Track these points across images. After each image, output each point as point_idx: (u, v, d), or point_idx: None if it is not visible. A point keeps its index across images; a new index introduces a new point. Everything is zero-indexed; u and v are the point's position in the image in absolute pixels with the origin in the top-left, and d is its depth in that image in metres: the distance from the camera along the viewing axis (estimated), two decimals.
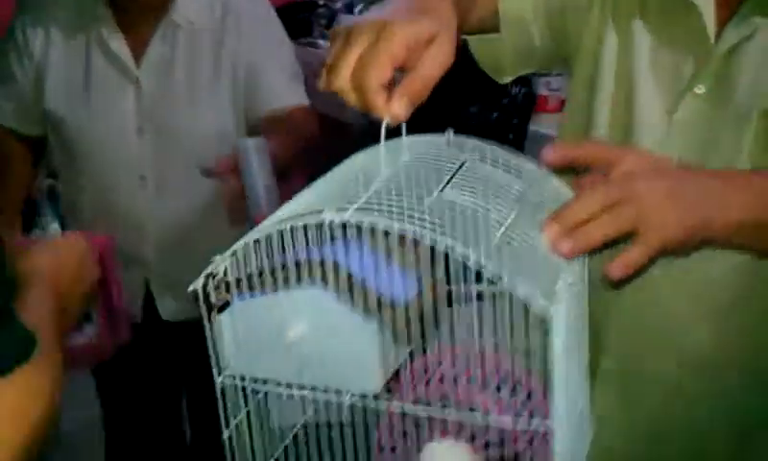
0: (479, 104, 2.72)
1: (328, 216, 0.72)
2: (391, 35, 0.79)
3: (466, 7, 1.07)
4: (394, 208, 0.73)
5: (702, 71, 1.07)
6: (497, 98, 2.71)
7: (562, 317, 0.72)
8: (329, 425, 0.86)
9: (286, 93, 1.94)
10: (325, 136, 2.55)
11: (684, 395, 1.12)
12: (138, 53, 1.92)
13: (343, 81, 0.80)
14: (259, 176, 1.49)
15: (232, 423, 0.86)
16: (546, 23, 1.21)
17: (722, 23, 1.06)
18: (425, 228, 0.70)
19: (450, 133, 0.93)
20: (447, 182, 0.81)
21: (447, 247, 0.69)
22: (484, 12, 1.18)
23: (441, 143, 0.91)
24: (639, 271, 0.82)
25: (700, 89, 1.07)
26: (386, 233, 0.76)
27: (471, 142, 0.91)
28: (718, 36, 1.06)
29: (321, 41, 3.46)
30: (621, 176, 0.84)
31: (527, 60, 1.26)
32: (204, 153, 1.82)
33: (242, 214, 1.61)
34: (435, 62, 0.82)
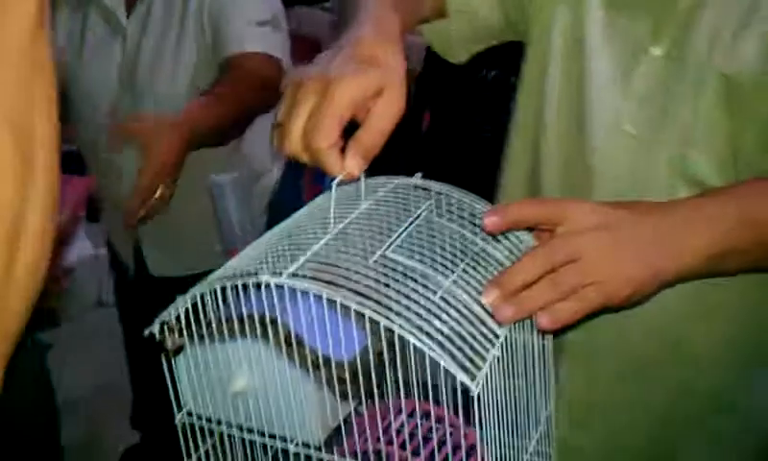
0: (497, 69, 2.74)
1: (264, 279, 0.75)
2: (336, 95, 0.81)
3: (412, 9, 1.10)
4: (332, 272, 0.76)
5: (660, 31, 1.05)
6: (516, 63, 2.70)
7: (489, 390, 0.74)
8: None
9: (246, 39, 1.95)
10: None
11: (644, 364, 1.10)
12: (129, 8, 2.03)
13: (294, 145, 0.83)
14: (233, 212, 1.52)
15: (194, 456, 0.90)
16: (498, 3, 1.22)
17: None
18: (355, 298, 0.73)
19: (418, 177, 0.95)
20: (396, 239, 0.83)
21: (371, 317, 0.72)
22: (433, 3, 1.20)
23: (405, 188, 0.93)
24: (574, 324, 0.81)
25: (656, 51, 1.06)
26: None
27: (438, 187, 0.93)
28: None
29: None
30: (564, 232, 0.82)
31: (479, 41, 1.28)
32: (178, 106, 1.86)
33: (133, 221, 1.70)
34: (384, 117, 0.84)
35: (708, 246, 0.85)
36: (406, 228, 0.85)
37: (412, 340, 0.71)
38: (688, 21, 1.04)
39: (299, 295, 0.78)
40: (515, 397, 0.84)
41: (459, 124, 2.82)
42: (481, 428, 0.74)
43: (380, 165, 0.90)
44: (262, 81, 1.90)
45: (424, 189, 0.93)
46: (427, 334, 0.72)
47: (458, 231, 0.87)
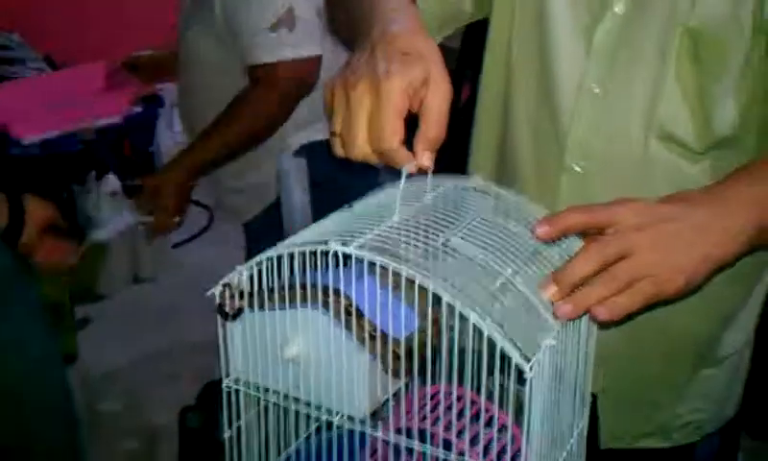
0: None
1: (333, 247, 0.80)
2: (391, 93, 0.85)
3: None
4: (399, 249, 0.81)
5: None
6: None
7: (541, 376, 0.77)
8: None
9: (258, 49, 2.04)
10: None
11: None
12: None
13: (362, 149, 0.87)
14: (296, 194, 1.57)
15: (235, 424, 0.95)
16: None
17: None
18: (420, 272, 0.77)
19: (478, 179, 1.01)
20: (458, 229, 0.87)
21: (435, 291, 0.76)
22: None
23: (465, 187, 0.99)
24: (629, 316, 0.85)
25: (619, 8, 1.09)
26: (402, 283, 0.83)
27: (496, 190, 0.99)
28: None
29: None
30: (615, 231, 0.86)
31: (448, 21, 1.30)
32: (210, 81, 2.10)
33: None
34: (439, 106, 0.88)
35: (751, 226, 0.89)
36: (468, 220, 0.89)
37: (472, 317, 0.74)
38: None
39: (362, 270, 0.83)
40: (557, 400, 0.87)
41: None
42: (529, 418, 0.78)
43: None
44: (279, 95, 2.03)
45: (483, 191, 0.98)
46: (488, 317, 0.75)
47: (514, 231, 0.90)
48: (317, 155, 1.98)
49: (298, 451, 0.97)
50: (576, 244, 0.91)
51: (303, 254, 0.85)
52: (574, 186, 1.14)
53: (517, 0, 1.20)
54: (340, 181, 1.76)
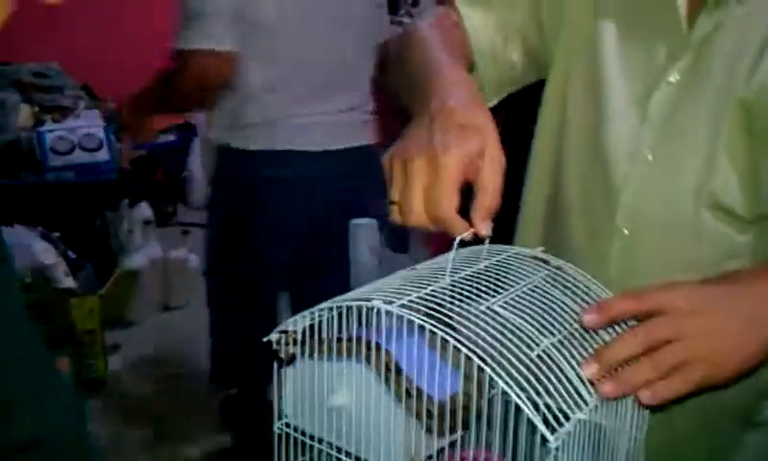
0: (514, 117, 2.84)
1: (376, 304, 0.87)
2: (448, 167, 0.92)
3: (466, 54, 1.24)
4: (440, 310, 0.87)
5: (676, 59, 1.13)
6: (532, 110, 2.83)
7: (569, 449, 0.83)
8: None
9: (186, 35, 2.38)
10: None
11: None
12: None
13: (419, 217, 0.94)
14: (364, 254, 1.65)
15: None
16: (522, 45, 1.32)
17: (693, 11, 1.12)
18: (453, 335, 0.84)
19: (538, 250, 1.07)
20: (506, 296, 0.94)
21: (466, 354, 0.83)
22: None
23: (525, 256, 1.05)
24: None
25: (674, 78, 1.13)
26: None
27: (556, 262, 1.05)
28: (691, 23, 1.12)
29: (406, 20, 3.69)
30: (665, 314, 0.90)
31: (507, 86, 1.37)
32: None
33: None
34: (494, 177, 0.95)
35: None
36: (517, 288, 0.96)
37: (500, 383, 0.80)
38: (705, 47, 1.11)
39: (405, 329, 0.90)
40: None
41: None
42: None
43: None
44: (198, 82, 2.40)
45: (544, 261, 1.05)
46: (517, 384, 0.81)
47: (567, 304, 0.96)
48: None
49: None
50: (631, 323, 0.96)
51: (361, 308, 0.92)
52: (623, 250, 1.18)
53: (572, 66, 1.26)
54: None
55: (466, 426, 0.91)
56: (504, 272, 1.01)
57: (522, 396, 0.81)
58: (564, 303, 0.97)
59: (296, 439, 1.00)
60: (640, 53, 1.18)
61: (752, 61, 1.08)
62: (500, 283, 0.97)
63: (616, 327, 0.96)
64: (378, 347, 0.90)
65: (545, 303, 0.95)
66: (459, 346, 0.84)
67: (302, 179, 2.46)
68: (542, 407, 0.82)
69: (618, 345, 0.88)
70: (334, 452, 0.97)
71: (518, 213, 1.39)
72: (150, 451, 2.74)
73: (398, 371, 0.90)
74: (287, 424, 1.01)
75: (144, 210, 3.93)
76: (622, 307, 0.91)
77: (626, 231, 1.17)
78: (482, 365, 0.82)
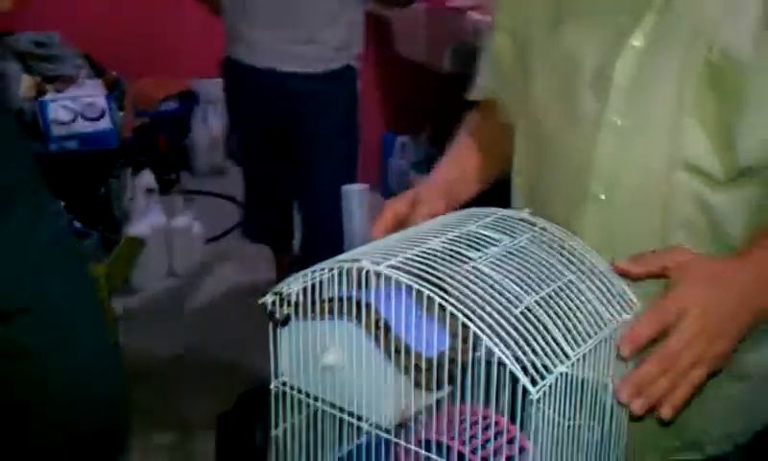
0: None
1: (364, 265, 0.91)
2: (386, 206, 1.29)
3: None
4: (427, 272, 0.91)
5: (638, 22, 1.15)
6: None
7: (550, 400, 0.87)
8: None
9: None
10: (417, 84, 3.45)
11: None
12: None
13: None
14: (357, 220, 1.69)
15: (281, 424, 1.05)
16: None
17: None
18: (439, 294, 0.88)
19: (525, 212, 1.11)
20: (491, 256, 0.98)
21: (451, 312, 0.87)
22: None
23: (512, 218, 1.10)
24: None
25: (638, 42, 1.16)
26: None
27: (542, 223, 1.09)
28: None
29: None
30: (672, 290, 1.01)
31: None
32: None
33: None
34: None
35: None
36: (503, 248, 1.00)
37: (484, 338, 0.85)
38: (667, 10, 1.14)
39: (394, 289, 0.94)
40: (576, 429, 0.96)
41: None
42: (535, 435, 0.87)
43: None
44: None
45: (530, 223, 1.09)
46: (501, 339, 0.85)
47: (552, 263, 1.01)
48: None
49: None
50: (614, 284, 1.02)
51: (351, 269, 0.97)
52: (600, 215, 1.21)
53: (536, 36, 1.29)
54: None
55: (453, 381, 0.95)
56: (491, 233, 1.04)
57: (506, 351, 0.85)
58: (548, 261, 1.01)
59: (292, 397, 1.04)
60: (604, 18, 1.20)
61: (715, 23, 1.11)
62: (487, 244, 1.01)
63: (606, 293, 1.01)
64: (368, 306, 0.94)
65: (530, 262, 0.99)
66: (444, 304, 0.87)
67: (254, 88, 3.06)
68: (525, 362, 0.86)
69: (643, 370, 0.97)
70: (329, 409, 1.01)
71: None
72: (155, 417, 2.79)
73: (387, 329, 0.94)
74: (284, 383, 1.05)
75: (147, 178, 3.96)
76: (647, 333, 0.98)
77: (602, 197, 1.20)
78: (466, 322, 0.86)
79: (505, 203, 1.29)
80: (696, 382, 1.00)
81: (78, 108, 3.81)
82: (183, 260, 3.93)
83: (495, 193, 1.37)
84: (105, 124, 3.83)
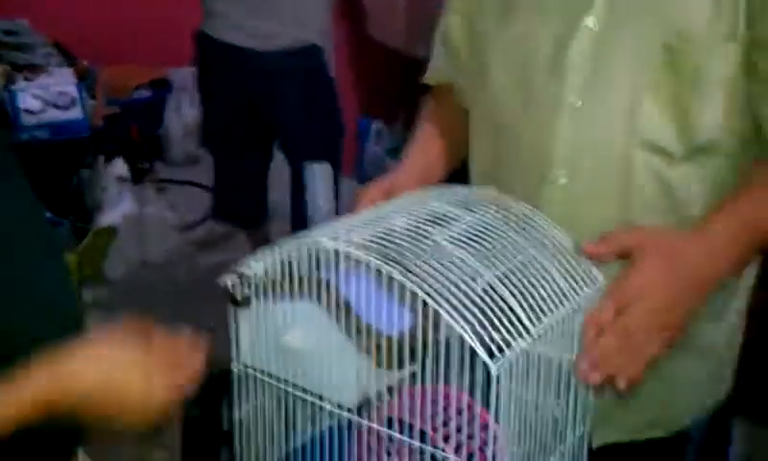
0: None
1: (323, 243, 0.90)
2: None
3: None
4: (387, 249, 0.90)
5: (592, 4, 1.14)
6: None
7: (510, 375, 0.87)
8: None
9: None
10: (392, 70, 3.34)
11: None
12: None
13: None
14: (321, 197, 1.68)
15: (244, 406, 1.05)
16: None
17: None
18: (399, 270, 0.86)
19: (492, 189, 1.10)
20: (452, 232, 0.97)
21: (411, 289, 0.85)
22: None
23: (478, 195, 1.09)
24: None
25: (592, 23, 1.15)
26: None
27: (505, 201, 1.08)
28: None
29: None
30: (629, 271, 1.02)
31: None
32: None
33: None
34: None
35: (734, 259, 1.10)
36: (464, 224, 0.99)
37: (443, 313, 0.84)
38: None
39: (356, 269, 0.93)
40: (539, 405, 0.96)
41: None
42: (497, 412, 0.87)
43: None
44: None
45: (495, 200, 1.08)
46: (461, 315, 0.84)
47: (514, 239, 1.00)
48: None
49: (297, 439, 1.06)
50: (581, 265, 1.02)
51: (311, 249, 0.95)
52: (562, 198, 1.20)
53: (489, 21, 1.27)
54: None
55: (415, 360, 0.94)
56: (454, 210, 1.03)
57: (466, 327, 0.84)
58: (511, 238, 1.00)
59: (255, 379, 1.03)
60: (556, 1, 1.19)
61: (668, 4, 1.11)
62: (450, 221, 1.00)
63: (570, 269, 1.00)
64: (329, 286, 0.93)
65: (492, 239, 0.98)
66: (404, 281, 0.86)
67: (221, 63, 3.10)
68: (486, 338, 0.85)
69: (602, 345, 0.98)
70: (291, 390, 1.00)
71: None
72: None
73: (348, 309, 0.93)
74: (245, 365, 1.04)
75: (119, 167, 3.93)
76: (607, 318, 0.99)
77: (562, 181, 1.20)
78: (426, 299, 0.85)
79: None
80: (651, 356, 1.01)
81: (48, 96, 3.77)
82: (157, 250, 3.90)
83: (465, 174, 1.38)
84: (75, 113, 3.80)
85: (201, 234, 4.14)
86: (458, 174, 1.39)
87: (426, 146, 1.42)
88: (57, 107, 3.74)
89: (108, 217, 3.71)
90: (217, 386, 1.54)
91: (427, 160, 1.39)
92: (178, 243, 3.98)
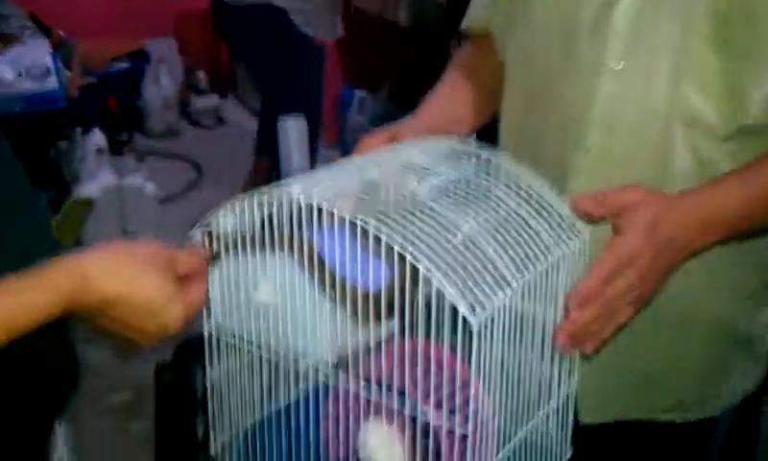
0: None
1: (294, 192, 0.86)
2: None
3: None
4: (364, 201, 0.86)
5: None
6: None
7: (490, 327, 0.83)
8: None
9: None
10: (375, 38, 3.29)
11: None
12: None
13: None
14: (294, 152, 1.65)
15: (216, 369, 1.01)
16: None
17: None
18: (374, 222, 0.83)
19: (472, 141, 1.06)
20: (430, 185, 0.93)
21: (387, 241, 0.81)
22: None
23: (458, 148, 1.05)
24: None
25: None
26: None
27: (487, 153, 1.04)
28: None
29: None
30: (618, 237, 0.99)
31: None
32: None
33: None
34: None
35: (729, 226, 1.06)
36: (444, 177, 0.95)
37: (421, 268, 0.80)
38: None
39: (328, 222, 0.89)
40: (523, 362, 0.93)
41: None
42: (479, 368, 0.83)
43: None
44: None
45: (476, 153, 1.03)
46: (439, 268, 0.81)
47: (496, 193, 0.96)
48: None
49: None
50: (564, 218, 0.98)
51: (281, 199, 0.90)
52: (593, 165, 1.16)
53: None
54: None
55: (392, 316, 0.91)
56: (434, 163, 0.99)
57: (444, 280, 0.80)
58: (492, 192, 0.97)
59: (226, 342, 1.00)
60: None
61: None
62: (427, 173, 0.96)
63: (553, 223, 0.97)
64: (301, 238, 0.89)
65: (473, 192, 0.94)
66: (379, 233, 0.82)
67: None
68: (466, 293, 0.81)
69: (582, 320, 0.96)
70: (263, 351, 0.97)
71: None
72: (107, 377, 2.74)
73: (321, 262, 0.89)
74: (217, 326, 1.00)
75: (97, 138, 3.87)
76: (596, 288, 0.97)
77: (597, 145, 1.15)
78: (403, 252, 0.81)
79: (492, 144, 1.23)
80: (622, 323, 1.00)
81: (22, 67, 3.71)
82: (137, 221, 3.84)
83: (483, 134, 1.31)
84: (50, 84, 3.73)
85: (183, 207, 4.10)
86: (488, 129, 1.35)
87: (447, 98, 1.37)
88: (31, 77, 3.68)
89: (87, 189, 3.65)
90: (192, 351, 1.52)
91: (445, 113, 1.34)
92: (158, 214, 3.93)
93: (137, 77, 4.98)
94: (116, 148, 4.21)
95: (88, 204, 3.46)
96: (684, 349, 1.23)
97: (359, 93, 4.60)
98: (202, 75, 5.21)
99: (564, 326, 0.95)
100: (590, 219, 1.01)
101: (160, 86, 4.98)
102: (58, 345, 1.16)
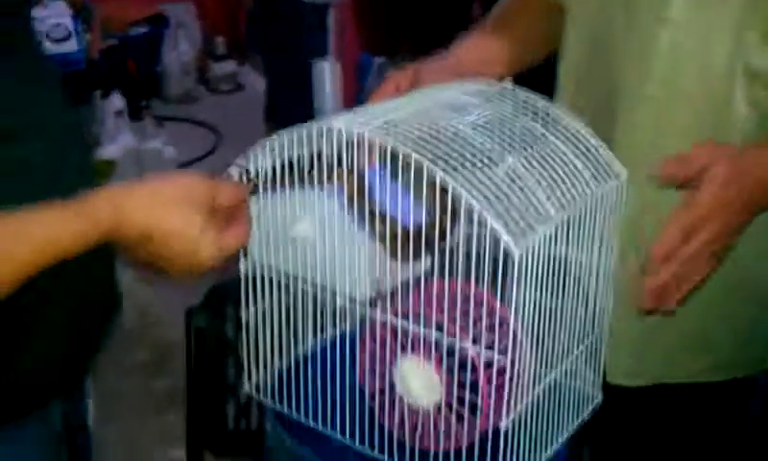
0: None
1: (337, 125, 0.85)
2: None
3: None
4: (406, 135, 0.86)
5: None
6: None
7: (531, 259, 0.83)
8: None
9: None
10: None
11: None
12: None
13: None
14: (328, 92, 1.64)
15: (251, 307, 1.01)
16: None
17: None
18: (415, 151, 0.82)
19: (507, 82, 1.05)
20: (471, 120, 0.93)
21: (429, 170, 0.81)
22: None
23: (494, 88, 1.05)
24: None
25: None
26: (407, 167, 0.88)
27: (525, 93, 1.03)
28: None
29: None
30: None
31: None
32: None
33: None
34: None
35: None
36: (483, 113, 0.95)
37: (463, 198, 0.80)
38: None
39: (369, 158, 0.88)
40: (558, 302, 0.92)
41: None
42: (516, 300, 0.83)
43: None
44: None
45: (512, 92, 1.03)
46: (480, 200, 0.80)
47: (536, 129, 0.96)
48: None
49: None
50: (583, 137, 0.97)
51: (321, 131, 0.90)
52: (654, 117, 1.15)
53: None
54: None
55: (432, 253, 0.90)
56: (473, 99, 0.99)
57: (488, 207, 0.80)
58: (532, 128, 0.96)
59: (263, 278, 1.00)
60: None
61: None
62: (466, 110, 0.96)
63: (591, 159, 0.96)
64: (350, 171, 0.89)
65: (514, 128, 0.94)
66: (422, 161, 0.82)
67: None
68: (509, 222, 0.81)
69: (662, 281, 0.99)
70: (300, 285, 0.97)
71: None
72: (129, 333, 2.76)
73: (362, 192, 0.89)
74: (254, 263, 1.00)
75: (116, 101, 3.88)
76: (673, 243, 0.99)
77: (656, 96, 1.14)
78: (445, 178, 0.81)
79: (544, 89, 1.17)
80: (698, 281, 1.02)
81: (43, 29, 3.71)
82: None
83: (533, 78, 1.27)
84: (71, 45, 3.74)
85: (200, 171, 4.10)
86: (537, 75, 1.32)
87: (487, 39, 1.34)
88: (52, 39, 3.68)
89: (108, 151, 3.66)
90: (223, 295, 1.52)
91: (480, 54, 1.32)
92: None
93: (157, 41, 4.97)
94: (135, 113, 4.22)
95: (111, 164, 3.47)
96: (731, 309, 1.22)
97: (378, 60, 4.58)
98: (220, 41, 5.19)
99: (650, 281, 0.97)
100: (675, 181, 1.02)
101: (180, 52, 4.97)
102: (105, 269, 1.16)
